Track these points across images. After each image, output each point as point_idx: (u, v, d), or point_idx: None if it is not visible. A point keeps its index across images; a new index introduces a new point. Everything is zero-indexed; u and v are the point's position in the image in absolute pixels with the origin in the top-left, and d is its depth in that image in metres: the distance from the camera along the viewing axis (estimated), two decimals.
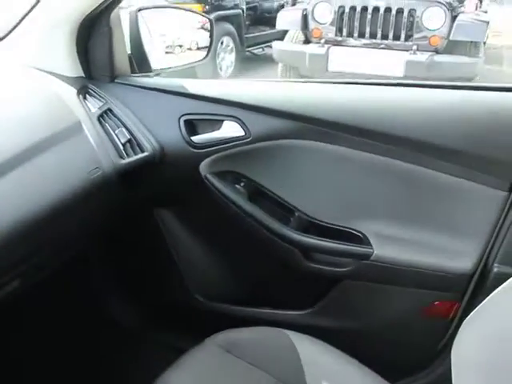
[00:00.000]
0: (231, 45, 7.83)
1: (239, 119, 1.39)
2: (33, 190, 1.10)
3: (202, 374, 1.18)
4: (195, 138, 1.42)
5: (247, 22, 8.43)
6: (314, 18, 5.99)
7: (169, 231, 1.59)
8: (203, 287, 1.66)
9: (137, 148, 1.38)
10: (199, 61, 1.81)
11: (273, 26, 7.77)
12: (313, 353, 1.25)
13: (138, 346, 1.75)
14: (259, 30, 8.89)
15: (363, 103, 1.41)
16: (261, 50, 9.18)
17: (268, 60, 8.01)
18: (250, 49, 8.77)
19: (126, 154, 1.35)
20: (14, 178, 1.08)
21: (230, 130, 1.41)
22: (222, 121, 1.41)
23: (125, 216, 1.50)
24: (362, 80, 1.53)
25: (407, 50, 5.56)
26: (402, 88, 1.49)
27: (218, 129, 1.43)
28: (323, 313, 1.50)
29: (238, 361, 1.20)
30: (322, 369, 1.22)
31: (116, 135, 1.36)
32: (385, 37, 5.68)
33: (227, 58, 7.80)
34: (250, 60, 8.82)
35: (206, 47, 1.83)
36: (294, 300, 1.54)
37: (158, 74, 1.68)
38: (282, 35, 6.92)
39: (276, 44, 6.55)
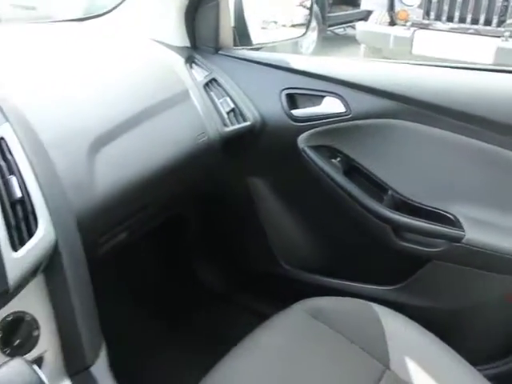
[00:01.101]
0: (313, 23, 7.78)
1: (340, 96, 1.41)
2: (146, 151, 1.18)
3: (290, 336, 1.23)
4: (295, 112, 1.46)
5: (330, 1, 8.35)
6: (400, 0, 5.87)
7: (260, 200, 1.65)
8: (290, 256, 1.70)
9: (239, 117, 1.44)
10: (298, 37, 1.85)
11: (356, 5, 7.65)
12: (397, 328, 1.27)
13: (224, 308, 1.82)
14: (342, 9, 8.79)
15: (462, 87, 1.41)
16: (342, 29, 9.08)
17: (349, 40, 7.92)
18: (331, 28, 8.69)
19: (230, 123, 1.41)
20: (130, 138, 1.15)
21: (331, 106, 1.44)
22: (323, 96, 1.44)
23: (222, 182, 1.57)
24: (461, 64, 1.52)
25: (498, 37, 5.35)
26: (500, 74, 1.47)
27: (319, 104, 1.46)
28: (409, 291, 1.52)
29: (324, 327, 1.24)
30: (406, 345, 1.24)
31: (220, 104, 1.42)
32: (475, 21, 5.48)
33: (308, 36, 7.76)
34: (331, 40, 8.75)
35: (301, 24, 1.86)
36: (380, 275, 1.57)
37: (258, 49, 1.72)
38: (365, 16, 6.81)
39: (360, 25, 6.46)
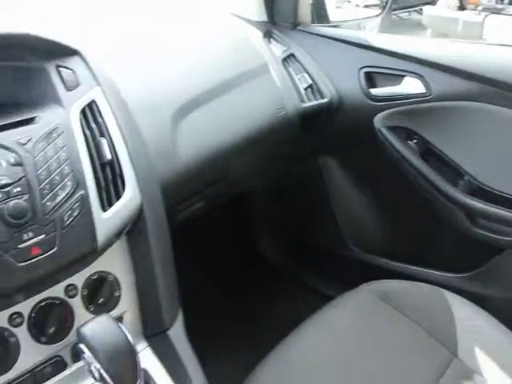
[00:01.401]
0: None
1: (421, 76, 1.38)
2: (226, 122, 1.19)
3: (357, 316, 1.22)
4: (373, 91, 1.44)
5: None
6: None
7: (331, 179, 1.64)
8: (357, 237, 1.69)
9: (317, 94, 1.42)
10: (374, 16, 1.83)
11: None
12: (467, 316, 1.24)
13: (285, 286, 1.82)
14: None
15: None
16: (407, 13, 8.86)
17: (414, 25, 7.73)
18: (396, 12, 8.49)
19: (307, 99, 1.40)
20: (211, 109, 1.16)
21: (410, 86, 1.41)
22: (403, 76, 1.41)
23: (294, 159, 1.56)
24: None
25: None
26: None
27: (398, 84, 1.43)
28: (480, 279, 1.49)
29: (392, 310, 1.23)
30: (476, 334, 1.21)
31: (298, 79, 1.41)
32: None
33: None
34: (395, 24, 8.56)
35: (374, 5, 1.84)
36: (450, 262, 1.54)
37: (335, 26, 1.70)
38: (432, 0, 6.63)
39: (427, 9, 6.31)
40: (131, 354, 0.76)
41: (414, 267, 1.58)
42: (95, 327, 0.76)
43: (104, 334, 0.76)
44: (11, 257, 0.73)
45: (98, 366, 0.74)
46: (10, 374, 0.83)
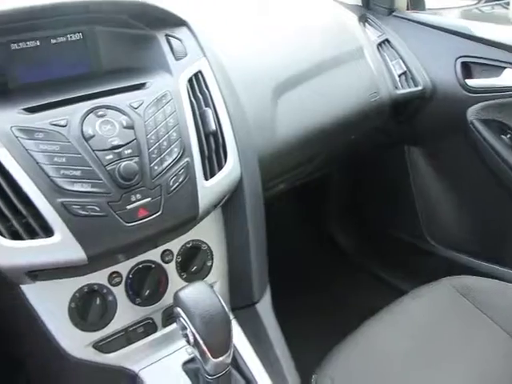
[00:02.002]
0: None
1: None
2: (322, 102, 1.18)
3: (435, 308, 1.20)
4: (470, 82, 1.40)
5: None
6: None
7: (415, 170, 1.60)
8: (438, 231, 1.66)
9: (410, 81, 1.40)
10: (472, 5, 1.77)
11: None
12: None
13: (356, 274, 1.81)
14: None
15: None
16: (490, 7, 8.56)
17: (497, 19, 7.44)
18: (479, 5, 8.23)
19: (401, 86, 1.37)
20: (308, 88, 1.16)
21: (511, 78, 1.36)
22: (503, 68, 1.36)
23: (380, 145, 1.54)
24: None
25: None
26: None
27: (497, 75, 1.38)
28: None
29: (472, 307, 1.20)
30: None
31: (393, 65, 1.39)
32: None
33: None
34: (478, 17, 8.28)
35: None
36: None
37: (431, 13, 1.66)
38: None
39: None
40: (226, 322, 0.77)
41: (497, 267, 1.53)
42: (192, 292, 0.78)
43: (201, 299, 0.77)
44: (119, 216, 0.75)
45: (194, 330, 0.75)
46: (106, 331, 0.85)
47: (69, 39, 0.87)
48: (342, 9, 1.46)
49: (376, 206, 1.78)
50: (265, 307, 0.97)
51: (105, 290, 0.84)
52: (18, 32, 0.81)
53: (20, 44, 0.82)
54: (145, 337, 0.90)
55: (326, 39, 1.30)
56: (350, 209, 1.89)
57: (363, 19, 1.47)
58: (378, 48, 1.40)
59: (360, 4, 1.56)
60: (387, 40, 1.43)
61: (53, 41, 0.85)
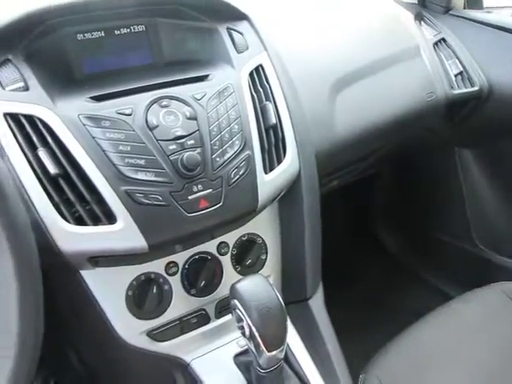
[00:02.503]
0: None
1: None
2: (378, 100, 1.17)
3: (485, 314, 1.18)
4: None
5: None
6: None
7: (467, 173, 1.58)
8: (488, 236, 1.63)
9: (467, 81, 1.37)
10: None
11: None
12: None
13: (402, 276, 1.79)
14: None
15: None
16: None
17: None
18: None
19: (457, 86, 1.35)
20: (365, 85, 1.15)
21: None
22: None
23: (432, 146, 1.52)
24: None
25: None
26: None
27: None
28: None
29: None
30: None
31: (449, 65, 1.36)
32: None
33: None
34: None
35: None
36: None
37: (489, 12, 1.62)
38: None
39: None
40: (283, 316, 0.77)
41: None
42: (249, 285, 0.77)
43: (258, 292, 0.77)
44: (181, 206, 0.75)
45: (250, 322, 0.75)
46: (161, 320, 0.86)
47: (132, 30, 0.88)
48: (399, 7, 1.45)
49: (423, 207, 1.76)
50: (317, 303, 0.97)
51: (161, 280, 0.85)
52: (83, 23, 0.82)
53: (86, 35, 0.84)
54: (198, 327, 0.91)
55: (384, 37, 1.29)
56: (396, 209, 1.87)
57: (419, 17, 1.45)
58: (434, 47, 1.38)
59: (416, 2, 1.53)
60: (443, 39, 1.41)
61: (116, 32, 0.86)
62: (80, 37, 0.83)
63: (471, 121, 1.42)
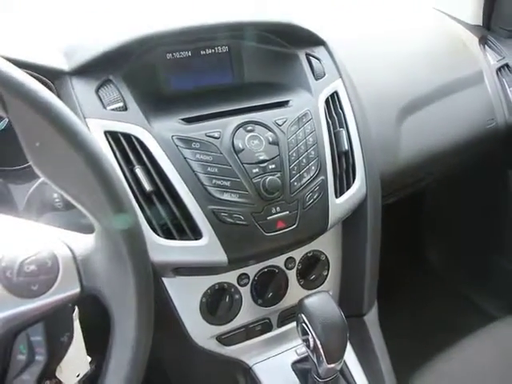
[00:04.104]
0: None
1: None
2: (442, 126, 1.21)
3: None
4: None
5: None
6: None
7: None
8: None
9: None
10: None
11: None
12: None
13: (447, 295, 1.82)
14: None
15: None
16: None
17: None
18: None
19: None
20: (430, 111, 1.19)
21: None
22: None
23: (490, 170, 1.55)
24: None
25: None
26: None
27: None
28: None
29: None
30: None
31: (511, 92, 1.39)
32: None
33: None
34: None
35: None
36: None
37: None
38: None
39: None
40: (344, 332, 0.83)
41: None
42: (317, 302, 0.84)
43: (323, 308, 0.83)
44: (260, 226, 0.81)
45: (315, 335, 0.81)
46: (229, 326, 0.93)
47: (216, 51, 0.94)
48: (463, 29, 1.47)
49: (471, 225, 1.78)
50: (372, 320, 1.02)
51: (233, 289, 0.91)
52: (174, 44, 0.88)
53: (174, 54, 0.90)
54: (261, 334, 0.97)
55: (449, 61, 1.32)
56: (445, 228, 1.89)
57: (483, 41, 1.47)
58: (497, 72, 1.40)
59: (481, 24, 1.54)
60: (507, 65, 1.43)
61: (202, 52, 0.92)
62: (169, 56, 0.90)
63: None
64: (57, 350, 0.64)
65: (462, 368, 1.13)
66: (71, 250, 0.57)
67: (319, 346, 0.81)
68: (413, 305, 1.76)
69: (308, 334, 0.83)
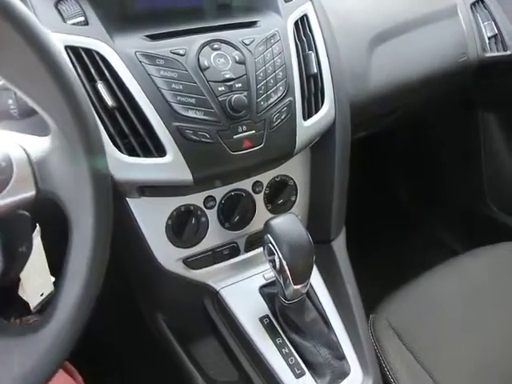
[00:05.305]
0: None
1: None
2: (413, 57, 1.21)
3: (492, 270, 1.23)
4: None
5: None
6: None
7: (487, 135, 1.61)
8: (501, 198, 1.67)
9: (500, 45, 1.39)
10: None
11: None
12: None
13: (413, 232, 1.84)
14: None
15: None
16: None
17: None
18: None
19: (489, 49, 1.37)
20: (401, 42, 1.18)
21: None
22: None
23: (459, 107, 1.55)
24: None
25: None
26: None
27: None
28: None
29: None
30: None
31: (484, 27, 1.38)
32: None
33: None
34: None
35: None
36: None
37: None
38: None
39: None
40: (311, 253, 0.83)
41: None
42: (283, 222, 0.84)
43: (290, 229, 0.83)
44: (226, 145, 0.81)
45: (281, 256, 0.82)
46: (196, 249, 0.93)
47: None
48: None
49: (441, 167, 1.79)
50: (340, 245, 1.03)
51: (199, 212, 0.91)
52: None
53: None
54: (228, 259, 0.97)
55: None
56: (413, 168, 1.90)
57: None
58: (471, 7, 1.39)
59: None
60: (482, 0, 1.42)
61: None
62: None
63: (500, 84, 1.44)
64: (15, 259, 0.63)
65: (426, 297, 1.15)
66: (26, 152, 0.56)
67: (285, 267, 0.81)
68: (381, 242, 1.78)
69: (274, 255, 0.83)
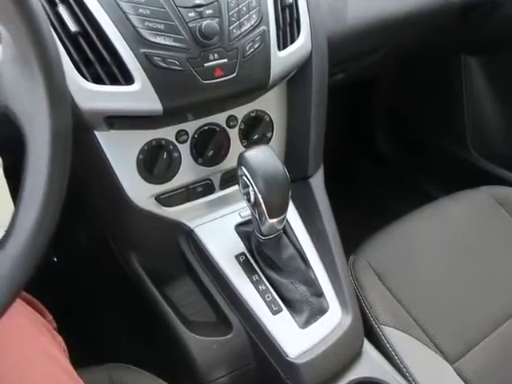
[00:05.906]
0: None
1: None
2: None
3: (471, 213, 1.24)
4: None
5: None
6: None
7: (470, 80, 1.59)
8: (483, 143, 1.66)
9: None
10: None
11: None
12: None
13: (394, 179, 1.84)
14: None
15: None
16: None
17: None
18: None
19: None
20: None
21: None
22: None
23: (441, 49, 1.52)
24: None
25: None
26: None
27: None
28: None
29: (508, 216, 1.23)
30: None
31: None
32: None
33: None
34: None
35: None
36: None
37: None
38: None
39: None
40: (287, 186, 0.81)
41: None
42: (257, 154, 0.81)
43: (265, 161, 0.81)
44: (197, 73, 0.78)
45: (256, 189, 0.80)
46: (168, 185, 0.91)
47: None
48: None
49: (422, 112, 1.78)
50: (318, 182, 1.01)
51: (171, 146, 0.88)
52: None
53: None
54: (203, 196, 0.95)
55: None
56: (394, 113, 1.88)
57: None
58: None
59: None
60: None
61: None
62: None
63: (483, 25, 1.41)
64: None
65: (406, 239, 1.15)
66: None
67: (260, 200, 0.79)
68: (360, 189, 1.77)
69: (249, 187, 0.81)
